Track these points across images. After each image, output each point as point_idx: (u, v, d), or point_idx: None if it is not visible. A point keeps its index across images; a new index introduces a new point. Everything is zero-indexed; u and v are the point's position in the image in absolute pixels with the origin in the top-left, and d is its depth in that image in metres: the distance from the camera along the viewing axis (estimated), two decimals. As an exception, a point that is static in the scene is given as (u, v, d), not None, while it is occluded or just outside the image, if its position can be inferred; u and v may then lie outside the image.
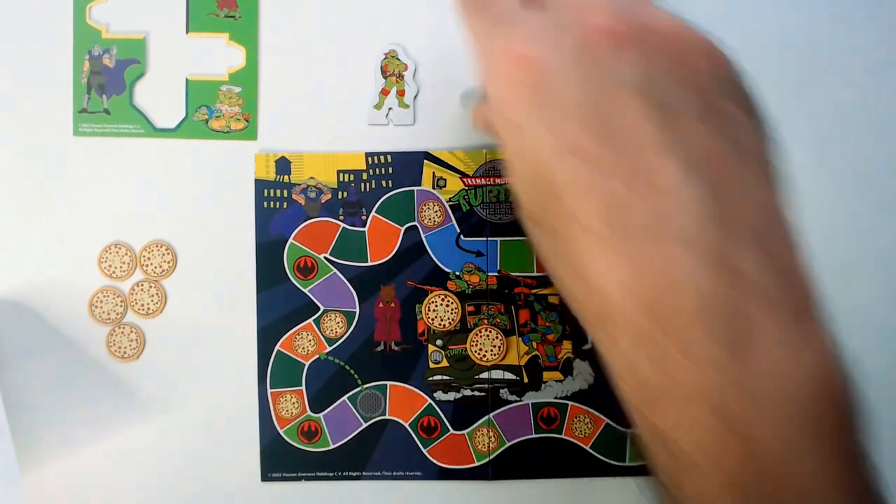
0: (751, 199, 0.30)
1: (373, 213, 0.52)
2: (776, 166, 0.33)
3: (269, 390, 0.52)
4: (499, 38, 0.33)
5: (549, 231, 0.32)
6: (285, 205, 0.52)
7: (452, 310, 0.52)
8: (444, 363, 0.52)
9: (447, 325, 0.52)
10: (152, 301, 0.52)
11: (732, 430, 0.28)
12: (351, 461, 0.52)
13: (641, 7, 0.33)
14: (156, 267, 0.52)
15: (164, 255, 0.52)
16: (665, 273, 0.28)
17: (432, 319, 0.52)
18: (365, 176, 0.52)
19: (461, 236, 0.52)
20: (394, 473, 0.52)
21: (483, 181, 0.52)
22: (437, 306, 0.52)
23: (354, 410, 0.52)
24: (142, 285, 0.52)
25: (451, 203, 0.52)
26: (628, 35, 0.31)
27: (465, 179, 0.52)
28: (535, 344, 0.52)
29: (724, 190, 0.30)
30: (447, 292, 0.52)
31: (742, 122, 0.32)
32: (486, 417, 0.52)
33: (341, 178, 0.52)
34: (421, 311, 0.52)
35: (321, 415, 0.52)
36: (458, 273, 0.52)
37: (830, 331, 0.30)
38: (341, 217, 0.52)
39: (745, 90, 0.34)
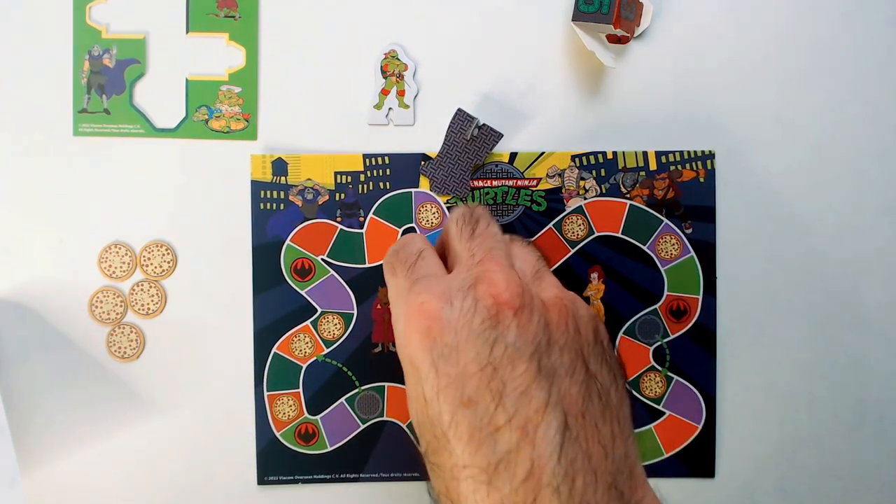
0: (613, 453, 0.35)
1: (370, 214, 0.52)
2: (631, 420, 0.38)
3: (265, 392, 0.52)
4: (412, 292, 0.39)
5: (436, 468, 0.37)
6: (282, 206, 0.52)
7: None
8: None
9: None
10: (152, 301, 0.52)
11: None
12: (349, 463, 0.52)
13: (540, 280, 0.40)
14: (156, 267, 0.52)
15: (164, 255, 0.52)
16: None
17: None
18: (362, 177, 0.52)
19: (459, 238, 0.52)
20: (392, 475, 0.52)
21: (480, 183, 0.52)
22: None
23: (352, 412, 0.52)
24: (142, 285, 0.52)
25: (448, 205, 0.52)
26: (524, 307, 0.37)
27: (462, 181, 0.52)
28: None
29: (591, 446, 0.35)
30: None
31: (612, 385, 0.37)
32: (484, 419, 0.52)
33: (338, 180, 0.52)
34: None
35: (319, 417, 0.52)
36: (455, 275, 0.52)
37: None
38: (339, 219, 0.52)
39: (616, 358, 0.39)
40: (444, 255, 0.44)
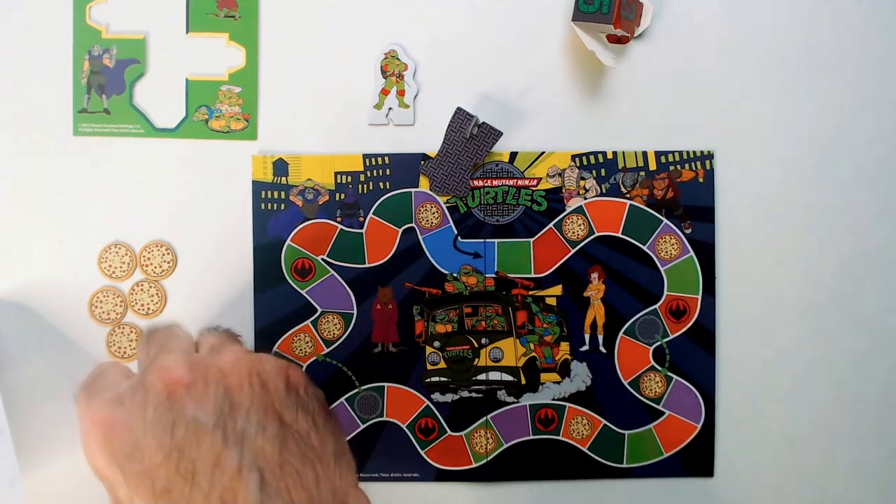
0: (319, 494, 0.37)
1: (370, 214, 0.52)
2: (346, 450, 0.39)
3: (266, 392, 0.52)
4: (84, 409, 0.38)
5: None
6: (283, 206, 0.52)
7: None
8: (442, 365, 0.52)
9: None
10: (152, 301, 0.52)
11: None
12: (348, 462, 0.52)
13: (218, 352, 0.40)
14: (156, 267, 0.52)
15: (164, 255, 0.52)
16: None
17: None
18: (362, 178, 0.52)
19: (459, 238, 0.52)
20: (391, 475, 0.52)
21: (480, 183, 0.52)
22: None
23: (352, 412, 0.52)
24: (142, 285, 0.52)
25: (448, 205, 0.52)
26: (199, 381, 0.37)
27: (462, 181, 0.52)
28: (532, 345, 0.52)
29: (295, 493, 0.36)
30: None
31: (311, 428, 0.38)
32: (484, 419, 0.52)
33: (339, 180, 0.52)
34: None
35: (319, 416, 0.52)
36: (455, 274, 0.52)
37: None
38: (339, 219, 0.52)
39: (315, 398, 0.40)
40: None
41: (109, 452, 0.36)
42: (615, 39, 0.51)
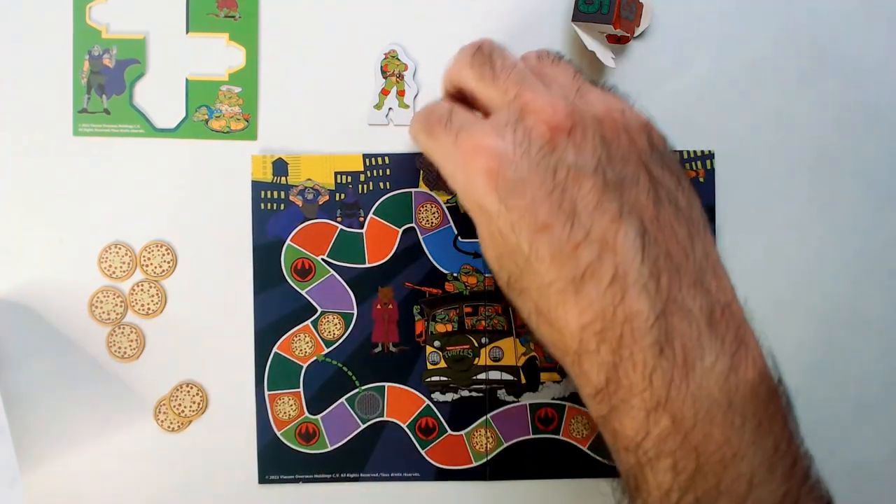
0: (693, 252, 0.37)
1: (370, 214, 0.52)
2: (705, 218, 0.39)
3: (266, 392, 0.52)
4: (459, 142, 0.39)
5: (523, 292, 0.38)
6: (283, 206, 0.52)
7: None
8: (442, 364, 0.52)
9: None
10: (152, 301, 0.52)
11: (680, 429, 0.35)
12: (349, 463, 0.52)
13: (584, 96, 0.40)
14: (156, 267, 0.52)
15: (164, 255, 0.52)
16: (621, 309, 0.35)
17: None
18: (362, 177, 0.52)
19: (459, 238, 0.52)
20: (392, 475, 0.52)
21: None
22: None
23: (352, 412, 0.52)
24: (142, 285, 0.52)
25: (448, 205, 0.52)
26: (578, 127, 0.38)
27: (462, 181, 0.52)
28: (532, 345, 0.52)
29: (671, 246, 0.37)
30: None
31: (677, 188, 0.39)
32: (484, 418, 0.52)
33: (339, 180, 0.52)
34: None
35: (319, 416, 0.52)
36: (455, 274, 0.52)
37: (764, 347, 0.38)
38: (339, 219, 0.52)
39: (675, 159, 0.40)
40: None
41: (494, 185, 0.37)
42: (615, 39, 0.51)
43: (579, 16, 0.49)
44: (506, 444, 0.52)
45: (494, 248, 0.39)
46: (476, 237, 0.51)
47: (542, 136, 0.37)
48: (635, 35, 0.52)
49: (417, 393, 0.52)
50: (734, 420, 0.35)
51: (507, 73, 0.40)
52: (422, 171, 0.52)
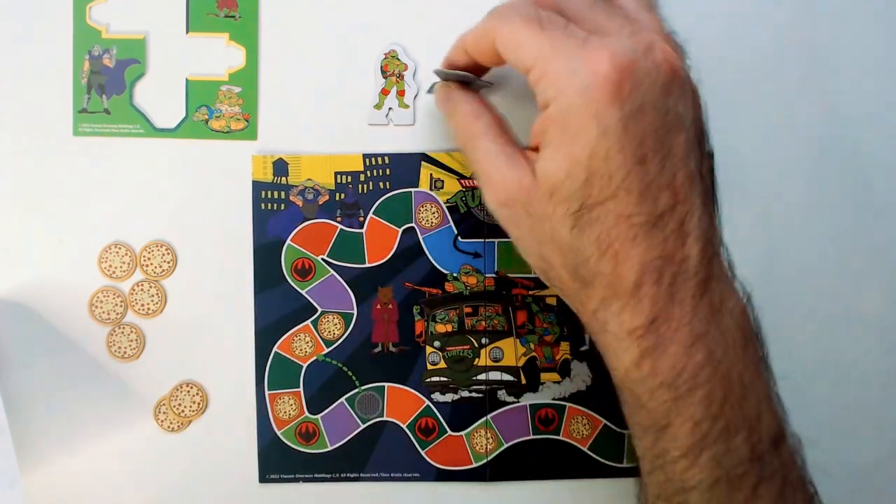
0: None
1: (370, 214, 0.52)
2: None
3: (266, 392, 0.52)
4: (590, 47, 0.38)
5: (594, 221, 0.39)
6: (283, 206, 0.52)
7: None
8: (442, 364, 0.52)
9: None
10: (152, 301, 0.52)
11: (711, 360, 0.39)
12: (349, 463, 0.52)
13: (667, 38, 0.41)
14: (156, 267, 0.52)
15: (164, 255, 0.52)
16: (680, 252, 0.39)
17: None
18: (362, 177, 0.52)
19: (459, 238, 0.52)
20: (392, 475, 0.52)
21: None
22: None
23: (352, 412, 0.52)
24: (142, 285, 0.52)
25: (448, 204, 0.52)
26: (686, 80, 0.39)
27: (462, 181, 0.52)
28: (532, 345, 0.52)
29: (712, 210, 0.40)
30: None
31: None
32: (484, 419, 0.52)
33: (339, 180, 0.52)
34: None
35: (319, 416, 0.52)
36: (455, 274, 0.52)
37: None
38: (339, 219, 0.52)
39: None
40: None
41: (621, 102, 0.37)
42: None
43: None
44: (506, 445, 0.52)
45: (583, 167, 0.38)
46: (477, 237, 0.51)
47: (665, 74, 0.38)
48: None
49: (417, 393, 0.52)
50: (748, 353, 0.40)
51: (611, 8, 0.41)
52: (439, 81, 0.49)
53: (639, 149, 0.37)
